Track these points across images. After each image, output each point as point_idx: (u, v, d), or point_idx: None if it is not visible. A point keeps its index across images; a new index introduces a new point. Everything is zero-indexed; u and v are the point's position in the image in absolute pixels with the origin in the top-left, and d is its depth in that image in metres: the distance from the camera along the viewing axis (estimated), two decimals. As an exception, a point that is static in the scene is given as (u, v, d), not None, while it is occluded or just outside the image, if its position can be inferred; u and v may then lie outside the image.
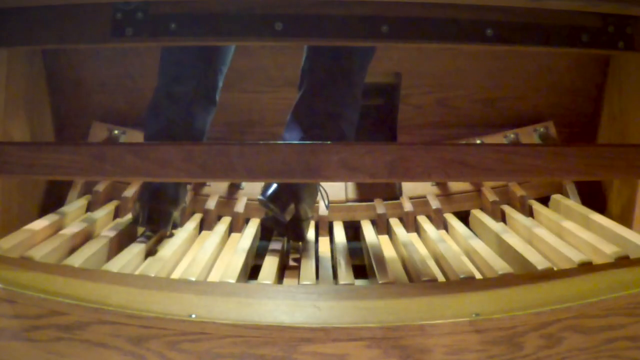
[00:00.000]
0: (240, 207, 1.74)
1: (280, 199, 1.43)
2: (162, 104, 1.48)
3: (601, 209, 1.62)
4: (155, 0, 1.11)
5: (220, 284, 1.17)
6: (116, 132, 1.80)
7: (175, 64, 1.49)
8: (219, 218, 1.72)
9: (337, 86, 1.49)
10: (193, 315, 0.94)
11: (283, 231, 1.53)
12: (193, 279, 1.19)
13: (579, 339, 0.96)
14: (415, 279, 1.25)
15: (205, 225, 1.69)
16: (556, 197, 1.71)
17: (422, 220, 1.71)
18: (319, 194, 1.60)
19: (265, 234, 1.67)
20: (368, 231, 1.65)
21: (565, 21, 1.16)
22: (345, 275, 1.26)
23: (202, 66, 1.49)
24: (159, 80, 1.50)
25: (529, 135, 1.85)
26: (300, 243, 1.54)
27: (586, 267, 1.18)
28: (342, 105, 1.48)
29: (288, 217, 1.45)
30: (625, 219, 1.58)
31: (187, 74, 1.48)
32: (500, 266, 1.25)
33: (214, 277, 1.30)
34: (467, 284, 1.16)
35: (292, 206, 1.44)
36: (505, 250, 1.41)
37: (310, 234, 1.64)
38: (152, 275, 1.20)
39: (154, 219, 1.47)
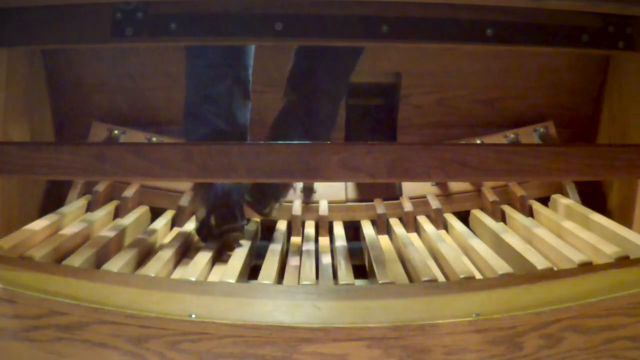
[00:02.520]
0: (240, 207, 1.74)
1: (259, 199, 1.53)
2: (202, 108, 1.49)
3: (601, 209, 1.62)
4: (155, 0, 1.11)
5: (220, 284, 1.17)
6: (116, 132, 1.80)
7: (207, 67, 1.50)
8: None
9: (322, 100, 1.54)
10: (193, 315, 0.94)
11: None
12: (193, 279, 1.19)
13: (579, 339, 0.96)
14: (415, 279, 1.25)
15: (205, 225, 1.69)
16: (556, 197, 1.71)
17: (422, 220, 1.71)
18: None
19: (265, 234, 1.67)
20: (368, 231, 1.65)
21: (565, 21, 1.16)
22: (345, 275, 1.26)
23: (234, 64, 1.52)
24: (191, 85, 1.52)
25: (529, 135, 1.85)
26: (297, 243, 1.54)
27: (586, 267, 1.18)
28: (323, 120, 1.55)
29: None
30: (625, 219, 1.58)
31: (221, 74, 1.50)
32: (500, 266, 1.25)
33: (214, 277, 1.30)
34: (467, 284, 1.16)
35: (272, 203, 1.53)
36: (505, 250, 1.41)
37: (310, 233, 1.64)
38: (152, 275, 1.20)
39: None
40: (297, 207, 1.75)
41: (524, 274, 1.23)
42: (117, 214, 1.67)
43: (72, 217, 1.54)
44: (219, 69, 1.50)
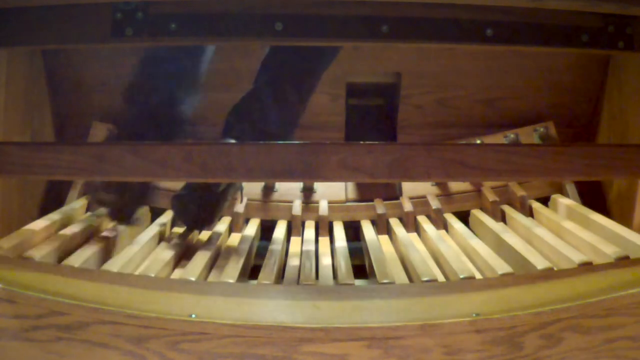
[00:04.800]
0: (240, 207, 1.74)
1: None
2: (146, 84, 1.49)
3: (601, 209, 1.62)
4: (155, 0, 1.11)
5: (220, 284, 1.17)
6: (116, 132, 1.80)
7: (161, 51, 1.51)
8: (219, 218, 1.72)
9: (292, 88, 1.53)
10: (193, 315, 0.94)
11: (191, 211, 1.52)
12: (193, 279, 1.19)
13: (579, 339, 0.96)
14: (415, 279, 1.25)
15: (205, 225, 1.69)
16: (556, 197, 1.71)
17: (422, 220, 1.71)
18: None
19: (265, 234, 1.67)
20: (368, 231, 1.65)
21: (565, 21, 1.16)
22: (345, 275, 1.26)
23: (188, 54, 1.53)
24: (143, 61, 1.52)
25: (529, 135, 1.85)
26: (293, 247, 1.54)
27: (586, 267, 1.18)
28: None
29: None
30: (625, 219, 1.58)
31: (172, 54, 1.50)
32: (500, 266, 1.25)
33: (214, 277, 1.30)
34: (467, 284, 1.16)
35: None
36: (505, 250, 1.41)
37: (311, 234, 1.64)
38: (152, 275, 1.20)
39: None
40: (297, 207, 1.75)
41: (524, 274, 1.23)
42: (117, 214, 1.67)
43: (73, 217, 1.54)
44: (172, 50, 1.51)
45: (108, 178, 1.58)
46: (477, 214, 1.72)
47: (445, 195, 1.80)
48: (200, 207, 1.49)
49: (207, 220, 1.53)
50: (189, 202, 1.49)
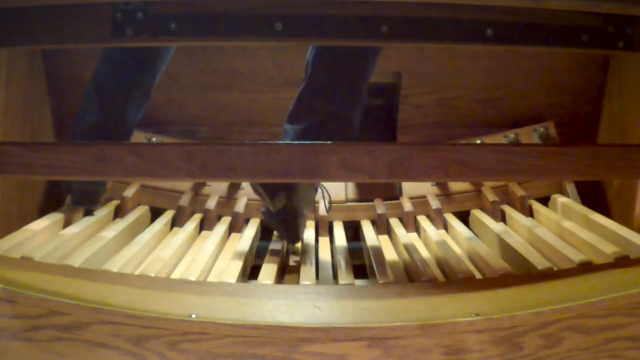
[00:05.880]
0: (240, 207, 1.74)
1: (270, 185, 1.42)
2: (98, 96, 1.55)
3: (601, 209, 1.63)
4: (155, 0, 1.11)
5: (220, 284, 1.17)
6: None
7: (117, 62, 1.55)
8: (219, 218, 1.73)
9: (347, 87, 1.47)
10: (193, 315, 0.94)
11: (276, 226, 1.52)
12: (193, 279, 1.19)
13: (579, 339, 0.96)
14: (415, 279, 1.25)
15: (205, 225, 1.69)
16: (556, 197, 1.71)
17: (422, 220, 1.71)
18: (321, 192, 1.60)
19: (265, 234, 1.67)
20: (368, 231, 1.65)
21: (565, 21, 1.16)
22: (345, 275, 1.26)
23: (141, 66, 1.57)
24: (100, 68, 1.56)
25: (529, 135, 1.85)
26: (297, 245, 1.53)
27: (586, 267, 1.18)
28: (350, 107, 1.48)
29: (277, 206, 1.44)
30: (625, 219, 1.58)
31: (126, 73, 1.55)
32: (500, 266, 1.25)
33: (214, 277, 1.30)
34: (467, 284, 1.16)
35: (282, 195, 1.43)
36: (505, 250, 1.41)
37: (310, 234, 1.64)
38: (152, 275, 1.20)
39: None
40: (297, 207, 1.75)
41: (524, 274, 1.23)
42: (117, 214, 1.67)
43: (73, 217, 1.54)
44: (126, 68, 1.55)
45: (108, 178, 1.60)
46: (477, 214, 1.72)
47: (445, 195, 1.80)
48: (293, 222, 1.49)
49: (302, 229, 1.54)
50: (288, 220, 1.48)
